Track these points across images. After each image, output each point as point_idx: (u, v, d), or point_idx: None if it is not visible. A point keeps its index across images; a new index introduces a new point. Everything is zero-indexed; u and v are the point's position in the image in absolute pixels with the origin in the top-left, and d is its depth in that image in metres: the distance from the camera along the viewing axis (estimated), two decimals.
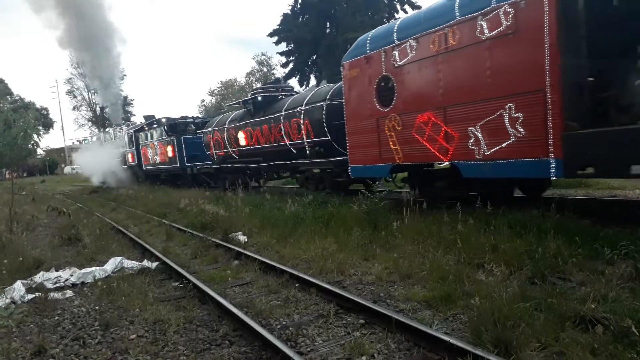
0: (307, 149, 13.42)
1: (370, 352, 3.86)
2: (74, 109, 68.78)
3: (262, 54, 46.02)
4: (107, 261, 7.38)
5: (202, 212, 11.45)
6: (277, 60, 42.28)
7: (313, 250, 7.13)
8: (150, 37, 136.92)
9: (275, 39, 31.47)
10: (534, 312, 4.09)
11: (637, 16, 6.40)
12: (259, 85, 45.88)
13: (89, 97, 66.00)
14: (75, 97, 67.51)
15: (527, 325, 3.80)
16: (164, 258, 7.58)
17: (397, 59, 9.16)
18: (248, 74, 48.22)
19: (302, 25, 30.53)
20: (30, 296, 5.99)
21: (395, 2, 30.35)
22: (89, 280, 6.74)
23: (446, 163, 8.51)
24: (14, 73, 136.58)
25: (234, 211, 11.16)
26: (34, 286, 6.37)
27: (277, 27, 31.26)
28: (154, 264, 7.41)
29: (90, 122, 67.20)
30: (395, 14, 29.80)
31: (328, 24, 30.67)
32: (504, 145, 7.32)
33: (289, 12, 31.04)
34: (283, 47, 32.25)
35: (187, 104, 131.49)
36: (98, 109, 62.55)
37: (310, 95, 13.37)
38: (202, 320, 4.97)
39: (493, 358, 3.27)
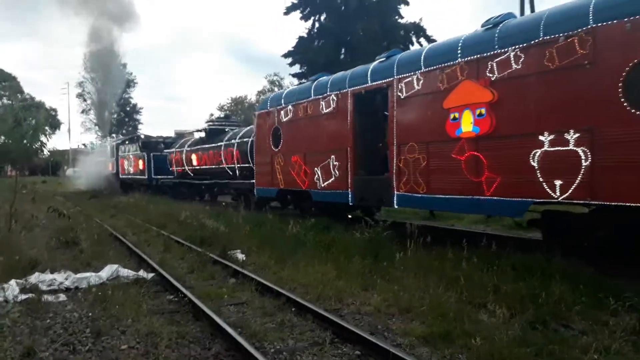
0: (237, 171, 17.50)
1: None
2: (82, 112, 69.05)
3: (275, 74, 46.38)
4: (103, 268, 7.31)
5: (202, 227, 11.39)
6: (289, 82, 42.70)
7: (312, 275, 7.02)
8: (169, 49, 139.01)
9: (289, 60, 31.84)
10: (535, 357, 4.00)
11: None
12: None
13: (98, 102, 66.20)
14: (85, 100, 67.83)
15: None
16: (160, 270, 7.49)
17: (283, 116, 13.10)
18: (259, 92, 48.52)
19: (317, 49, 30.85)
20: (23, 296, 5.92)
21: (411, 35, 30.75)
22: (84, 286, 6.67)
23: (304, 190, 12.21)
24: (24, 70, 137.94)
25: (234, 228, 11.09)
26: (28, 287, 6.30)
27: (292, 49, 31.66)
28: (150, 275, 7.33)
29: (97, 127, 67.32)
30: (411, 45, 30.09)
31: (343, 50, 31.00)
32: (330, 181, 11.28)
33: (305, 36, 31.46)
34: (296, 68, 32.58)
35: (197, 117, 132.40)
36: (107, 114, 62.83)
37: (242, 133, 17.43)
38: (194, 337, 4.88)
39: None
